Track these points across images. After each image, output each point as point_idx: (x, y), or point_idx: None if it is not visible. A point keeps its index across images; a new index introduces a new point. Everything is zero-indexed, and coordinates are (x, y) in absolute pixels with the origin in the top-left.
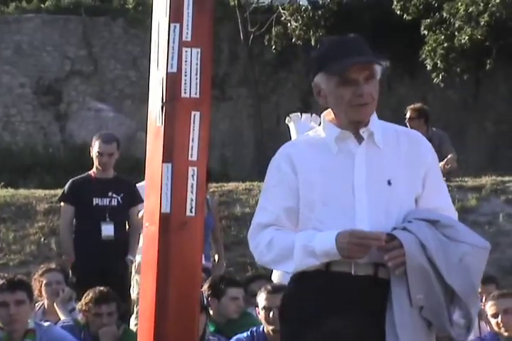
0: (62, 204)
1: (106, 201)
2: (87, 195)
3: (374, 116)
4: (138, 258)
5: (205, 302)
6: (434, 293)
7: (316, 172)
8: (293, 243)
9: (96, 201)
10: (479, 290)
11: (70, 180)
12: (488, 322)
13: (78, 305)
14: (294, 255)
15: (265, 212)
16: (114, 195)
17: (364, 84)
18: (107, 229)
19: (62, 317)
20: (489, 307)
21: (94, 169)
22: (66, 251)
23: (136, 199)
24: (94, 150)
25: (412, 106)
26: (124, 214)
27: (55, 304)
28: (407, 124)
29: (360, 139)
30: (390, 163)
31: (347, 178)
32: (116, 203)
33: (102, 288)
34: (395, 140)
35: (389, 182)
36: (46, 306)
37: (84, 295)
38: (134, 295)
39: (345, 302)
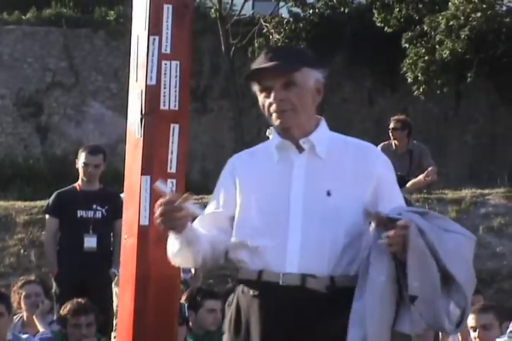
0: (46, 216)
1: (90, 213)
2: (71, 207)
3: (321, 127)
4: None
5: (187, 314)
6: (430, 280)
7: (255, 180)
8: None
9: (80, 213)
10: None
11: (55, 192)
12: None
13: (56, 317)
14: (169, 245)
15: (199, 217)
16: (98, 208)
17: (281, 91)
18: (90, 241)
19: (41, 329)
20: (469, 320)
21: (79, 181)
22: (50, 263)
23: (121, 211)
24: (80, 162)
25: (396, 117)
26: (109, 227)
27: (34, 316)
28: (391, 134)
29: (301, 149)
30: (332, 174)
31: (284, 187)
32: (100, 215)
33: (79, 300)
34: (341, 151)
35: (328, 193)
36: (25, 318)
37: (63, 307)
38: (114, 307)
39: (274, 313)
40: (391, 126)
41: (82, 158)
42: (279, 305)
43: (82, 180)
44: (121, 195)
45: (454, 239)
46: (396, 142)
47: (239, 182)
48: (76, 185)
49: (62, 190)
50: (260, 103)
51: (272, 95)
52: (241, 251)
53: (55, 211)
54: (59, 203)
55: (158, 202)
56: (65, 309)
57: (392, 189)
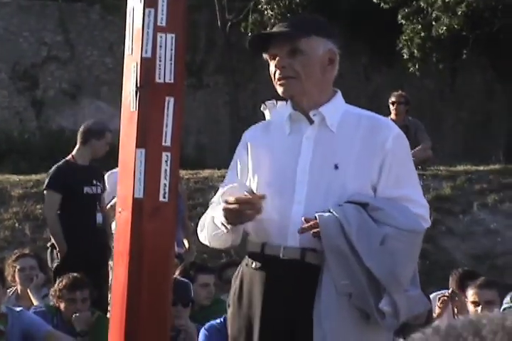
0: (46, 192)
1: (94, 189)
2: (76, 183)
3: (336, 99)
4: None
5: (192, 294)
6: (357, 279)
7: (265, 152)
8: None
9: (86, 190)
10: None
11: (55, 168)
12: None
13: (51, 291)
14: (206, 229)
15: (218, 192)
16: (97, 183)
17: (286, 58)
18: (99, 217)
19: (35, 302)
20: (471, 295)
21: (77, 155)
22: (59, 241)
23: (105, 185)
24: (105, 141)
25: (399, 92)
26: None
27: (28, 290)
28: (393, 108)
29: (312, 121)
30: (342, 148)
31: (292, 159)
32: (100, 191)
33: (75, 274)
34: (354, 125)
35: (336, 166)
36: (19, 291)
37: (58, 281)
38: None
39: (274, 286)
40: (394, 99)
41: (108, 137)
42: (279, 279)
43: (85, 155)
44: (116, 170)
45: (381, 232)
46: (394, 117)
47: (250, 155)
48: (70, 159)
49: (61, 164)
50: (270, 72)
51: (276, 62)
52: (248, 224)
53: (58, 186)
54: (62, 179)
55: (233, 199)
56: (61, 283)
57: (401, 166)
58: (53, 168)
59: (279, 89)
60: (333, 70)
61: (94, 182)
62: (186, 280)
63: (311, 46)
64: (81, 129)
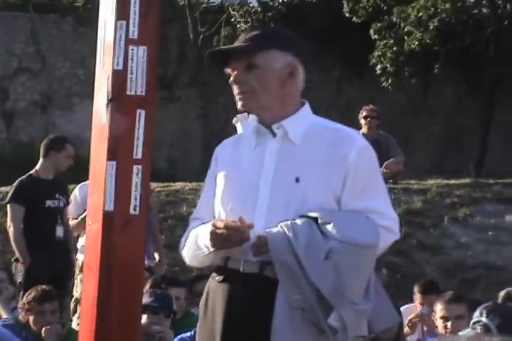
0: (10, 205)
1: (56, 203)
2: (38, 197)
3: (302, 111)
4: (82, 257)
5: (174, 307)
6: (307, 294)
7: (232, 166)
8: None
9: (48, 203)
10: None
11: (18, 181)
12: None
13: (20, 304)
14: (188, 248)
15: (196, 207)
16: (60, 197)
17: (243, 73)
18: (59, 231)
19: (4, 315)
20: (440, 310)
21: (40, 169)
22: (23, 255)
23: (69, 199)
24: (65, 154)
25: (370, 106)
26: (65, 215)
27: None
28: (365, 123)
29: (275, 134)
30: (304, 161)
31: (256, 173)
32: (62, 204)
33: (44, 286)
34: (318, 137)
35: (297, 180)
36: None
37: (26, 293)
38: (77, 294)
39: (235, 299)
40: (366, 114)
41: (67, 150)
42: (240, 292)
43: (48, 169)
44: (86, 182)
45: (326, 246)
46: (366, 131)
47: (218, 169)
48: (34, 173)
49: (24, 178)
50: None
51: (232, 77)
52: None
53: (21, 199)
54: (24, 192)
55: (222, 224)
56: (30, 296)
57: (366, 178)
58: (16, 181)
59: (238, 104)
60: (294, 83)
61: (57, 195)
62: (168, 293)
63: (268, 60)
64: (42, 143)
